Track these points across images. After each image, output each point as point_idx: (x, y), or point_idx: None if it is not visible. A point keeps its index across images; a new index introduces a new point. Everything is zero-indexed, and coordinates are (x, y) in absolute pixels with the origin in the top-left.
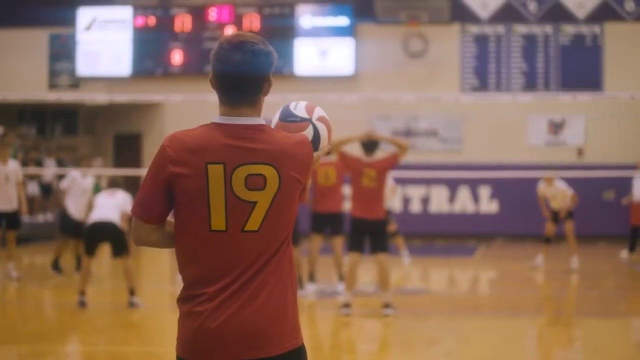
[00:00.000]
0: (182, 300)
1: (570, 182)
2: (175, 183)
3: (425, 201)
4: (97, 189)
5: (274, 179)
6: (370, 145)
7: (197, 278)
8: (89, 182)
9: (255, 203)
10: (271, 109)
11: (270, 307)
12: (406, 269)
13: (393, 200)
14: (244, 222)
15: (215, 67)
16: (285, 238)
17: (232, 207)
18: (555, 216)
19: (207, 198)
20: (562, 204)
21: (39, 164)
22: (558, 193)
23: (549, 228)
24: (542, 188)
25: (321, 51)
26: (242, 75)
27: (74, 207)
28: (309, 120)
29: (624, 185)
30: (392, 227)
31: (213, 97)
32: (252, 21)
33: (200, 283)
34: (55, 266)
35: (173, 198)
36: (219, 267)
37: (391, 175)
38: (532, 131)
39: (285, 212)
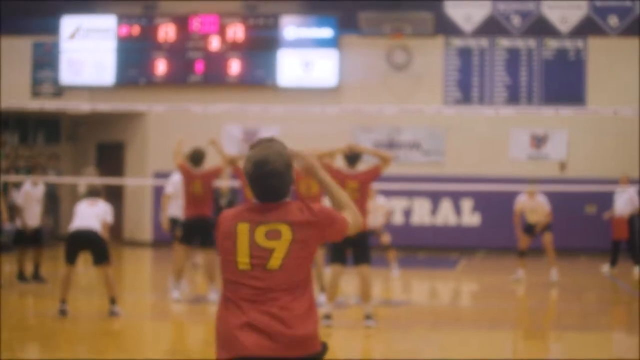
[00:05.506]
0: (222, 313)
1: (552, 196)
2: (220, 241)
3: (407, 213)
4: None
5: (288, 232)
6: (352, 157)
7: (232, 299)
8: (40, 190)
9: (274, 249)
10: (253, 119)
11: (289, 326)
12: (389, 281)
13: (376, 216)
14: (265, 262)
15: (249, 183)
16: (305, 275)
17: (254, 253)
18: (531, 229)
19: (237, 247)
20: (539, 218)
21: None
22: (539, 206)
23: (523, 241)
24: (522, 201)
25: (305, 62)
26: (272, 191)
27: (29, 218)
28: None
29: (606, 200)
30: (386, 239)
31: (195, 107)
32: (236, 32)
33: (232, 303)
34: (21, 277)
35: None
36: (246, 293)
37: (382, 197)
38: (514, 145)
39: (302, 255)
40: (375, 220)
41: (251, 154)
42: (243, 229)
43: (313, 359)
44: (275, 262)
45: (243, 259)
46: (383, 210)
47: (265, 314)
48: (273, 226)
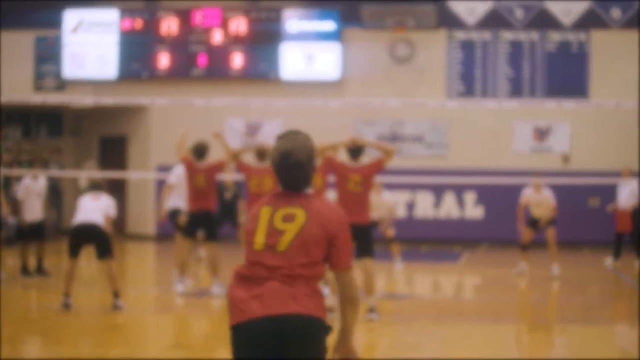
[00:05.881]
0: (236, 287)
1: (555, 189)
2: (248, 224)
3: (410, 207)
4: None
5: (302, 216)
6: (355, 151)
7: (247, 275)
8: (41, 184)
9: (285, 231)
10: (256, 113)
11: (292, 300)
12: (392, 274)
13: (380, 210)
14: (276, 244)
15: (275, 171)
16: (313, 260)
17: (270, 234)
18: (535, 223)
19: (257, 228)
20: (544, 212)
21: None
22: (544, 200)
23: (526, 235)
24: (528, 195)
25: (307, 56)
26: (295, 179)
27: (30, 212)
28: None
29: (609, 193)
30: (390, 233)
31: (198, 101)
32: (239, 25)
33: (247, 279)
34: (25, 271)
35: None
36: (260, 270)
37: (387, 193)
38: (517, 138)
39: (308, 245)
40: (378, 213)
41: (278, 145)
42: (266, 212)
43: (316, 328)
44: (284, 243)
45: (259, 240)
46: (387, 205)
47: (275, 285)
48: (291, 210)
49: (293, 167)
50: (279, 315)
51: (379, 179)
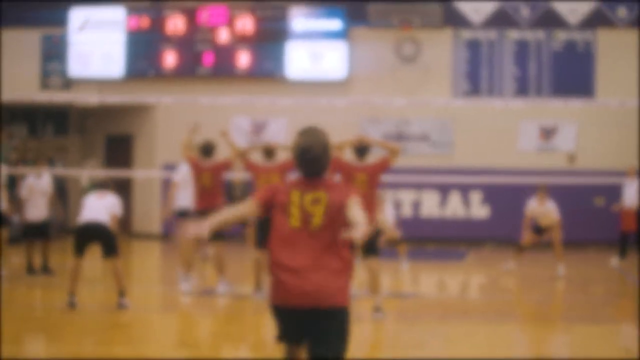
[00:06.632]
0: (272, 271)
1: (560, 188)
2: (276, 201)
3: (416, 205)
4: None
5: (324, 198)
6: (361, 149)
7: (283, 257)
8: (45, 182)
9: (314, 213)
10: (261, 112)
11: (326, 278)
12: (398, 273)
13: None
14: (310, 223)
15: (296, 162)
16: (339, 235)
17: (303, 214)
18: (540, 230)
19: (289, 210)
20: (549, 223)
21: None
22: (548, 213)
23: (528, 239)
24: (533, 207)
25: (313, 54)
26: (314, 170)
27: (35, 210)
28: None
29: (615, 192)
30: (394, 233)
31: (204, 100)
32: (245, 23)
33: (284, 261)
34: (30, 269)
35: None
36: (296, 250)
37: (391, 210)
38: (523, 137)
39: (335, 220)
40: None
41: (298, 140)
42: (296, 195)
43: (339, 313)
44: (315, 223)
45: (295, 219)
46: (387, 225)
47: (303, 273)
48: (316, 194)
49: (311, 160)
50: (302, 308)
51: (384, 190)
